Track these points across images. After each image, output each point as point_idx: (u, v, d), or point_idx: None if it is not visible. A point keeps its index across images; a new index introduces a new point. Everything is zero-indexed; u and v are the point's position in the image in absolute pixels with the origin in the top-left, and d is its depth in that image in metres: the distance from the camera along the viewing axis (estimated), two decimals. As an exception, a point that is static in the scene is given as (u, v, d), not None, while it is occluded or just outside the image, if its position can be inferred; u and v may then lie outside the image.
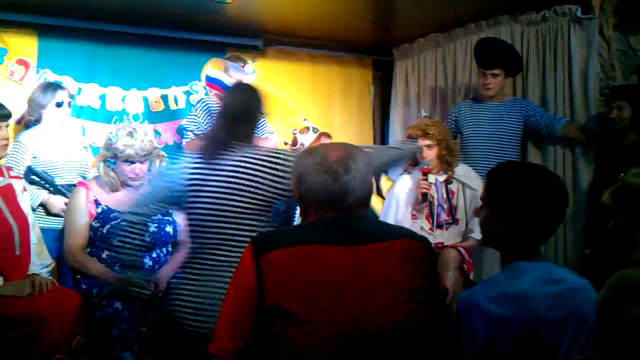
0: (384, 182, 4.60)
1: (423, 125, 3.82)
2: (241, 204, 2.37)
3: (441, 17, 4.79)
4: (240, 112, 2.54)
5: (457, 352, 1.91)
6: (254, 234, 2.27)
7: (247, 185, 2.36)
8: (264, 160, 2.38)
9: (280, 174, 2.36)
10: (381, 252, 1.76)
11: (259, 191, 2.37)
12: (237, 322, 1.71)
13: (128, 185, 3.33)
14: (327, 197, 1.81)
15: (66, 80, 4.54)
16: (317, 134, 4.39)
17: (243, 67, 4.40)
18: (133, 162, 3.24)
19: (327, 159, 1.83)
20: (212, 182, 2.40)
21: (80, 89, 4.67)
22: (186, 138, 4.17)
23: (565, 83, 4.13)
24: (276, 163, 2.38)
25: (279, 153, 2.44)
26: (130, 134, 3.21)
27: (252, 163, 2.38)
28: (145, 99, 4.82)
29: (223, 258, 2.36)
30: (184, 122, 4.42)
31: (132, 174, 3.27)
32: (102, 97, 4.73)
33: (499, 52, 4.10)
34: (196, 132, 4.13)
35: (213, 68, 4.10)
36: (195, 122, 4.16)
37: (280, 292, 1.65)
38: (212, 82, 4.06)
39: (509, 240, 2.01)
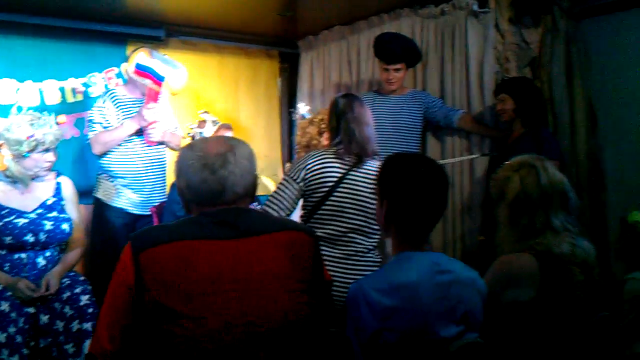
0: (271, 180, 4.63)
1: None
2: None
3: (345, 9, 4.82)
4: (368, 120, 3.00)
5: (344, 347, 1.93)
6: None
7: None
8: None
9: None
10: (264, 244, 1.77)
11: None
12: (117, 322, 1.68)
13: (38, 177, 3.25)
14: (205, 192, 1.80)
15: (-45, 73, 4.32)
16: (216, 127, 4.32)
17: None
18: (48, 151, 3.18)
19: (206, 153, 1.81)
20: (360, 183, 2.90)
21: (-30, 82, 4.46)
22: (93, 130, 4.04)
23: (462, 75, 4.22)
24: None
25: None
26: (45, 122, 3.15)
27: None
28: (41, 92, 4.63)
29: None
30: (87, 114, 4.28)
31: (47, 163, 3.22)
32: (-6, 90, 4.53)
33: (401, 48, 4.14)
34: (105, 125, 4.02)
35: (145, 56, 3.98)
36: (102, 113, 4.04)
37: (161, 290, 1.62)
38: (143, 69, 3.94)
39: (395, 230, 2.05)
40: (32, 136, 3.10)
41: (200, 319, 1.60)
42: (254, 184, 1.90)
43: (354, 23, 5.04)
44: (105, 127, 4.03)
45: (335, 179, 2.87)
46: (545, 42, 4.00)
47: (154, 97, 3.97)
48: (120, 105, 4.10)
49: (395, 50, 4.13)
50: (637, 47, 3.87)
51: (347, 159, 2.90)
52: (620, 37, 3.96)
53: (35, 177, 3.24)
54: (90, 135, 4.06)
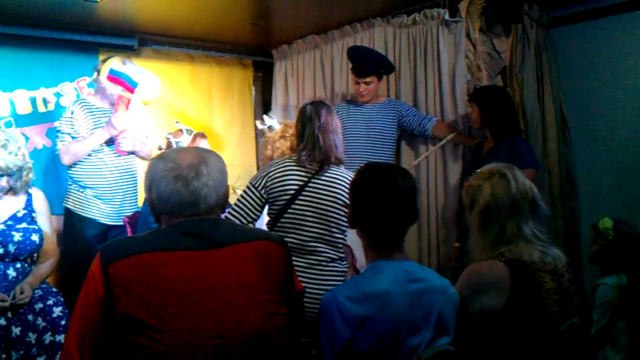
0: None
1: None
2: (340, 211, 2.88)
3: (318, 18, 4.84)
4: (335, 128, 2.97)
5: (315, 357, 1.93)
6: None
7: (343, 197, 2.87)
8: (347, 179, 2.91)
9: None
10: (235, 255, 1.75)
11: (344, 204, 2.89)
12: (86, 334, 1.64)
13: None
14: (177, 204, 1.78)
15: None
16: (192, 135, 4.29)
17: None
18: (2, 176, 3.12)
19: (178, 165, 1.79)
20: (321, 191, 2.87)
21: (-62, 92, 4.39)
22: (62, 141, 3.99)
23: (435, 84, 4.25)
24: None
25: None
26: (4, 146, 3.09)
27: (344, 180, 2.90)
28: (12, 102, 4.58)
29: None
30: (56, 124, 4.24)
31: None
32: (-36, 100, 4.47)
33: (370, 62, 4.18)
34: (73, 135, 3.98)
35: (119, 63, 3.95)
36: (71, 123, 4.00)
37: (131, 302, 1.60)
38: (117, 76, 3.90)
39: (367, 240, 2.06)
40: None
41: (171, 331, 1.58)
42: (225, 195, 1.89)
43: (327, 32, 5.05)
44: (74, 138, 3.99)
45: (296, 187, 2.86)
46: (515, 50, 4.04)
47: (125, 104, 3.94)
48: (90, 115, 4.06)
49: (364, 65, 4.17)
50: (606, 55, 3.94)
51: (309, 167, 2.89)
52: (589, 45, 4.03)
53: None
54: (59, 145, 4.01)
